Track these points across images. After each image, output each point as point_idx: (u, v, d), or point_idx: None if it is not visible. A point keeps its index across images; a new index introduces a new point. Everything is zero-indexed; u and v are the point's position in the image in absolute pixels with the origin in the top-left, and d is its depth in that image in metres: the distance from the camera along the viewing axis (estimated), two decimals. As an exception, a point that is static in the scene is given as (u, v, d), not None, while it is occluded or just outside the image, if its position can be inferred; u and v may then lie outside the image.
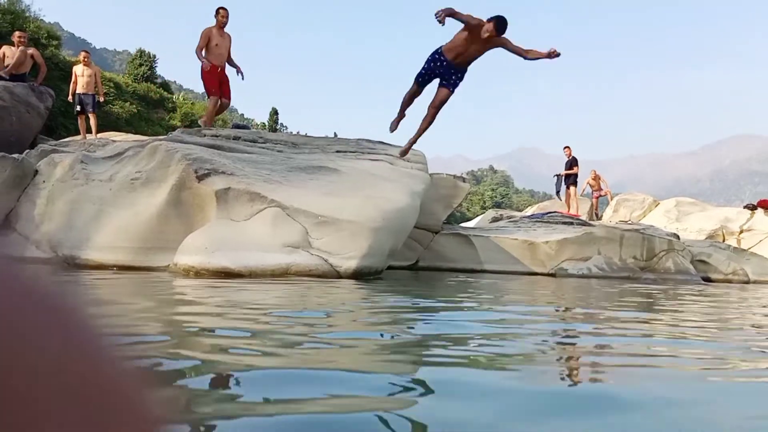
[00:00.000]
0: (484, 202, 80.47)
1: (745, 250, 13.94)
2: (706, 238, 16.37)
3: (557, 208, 14.65)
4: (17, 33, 11.03)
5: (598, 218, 16.17)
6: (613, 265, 10.13)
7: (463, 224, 16.54)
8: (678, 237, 11.96)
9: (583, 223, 11.30)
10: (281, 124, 49.71)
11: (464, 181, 10.75)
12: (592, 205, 16.67)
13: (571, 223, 11.15)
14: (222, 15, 8.68)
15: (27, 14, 21.94)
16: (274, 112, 45.36)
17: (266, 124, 45.44)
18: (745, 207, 19.64)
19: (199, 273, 5.30)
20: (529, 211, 19.88)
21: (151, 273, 5.66)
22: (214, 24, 8.67)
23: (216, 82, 8.71)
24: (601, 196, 16.88)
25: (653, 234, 10.95)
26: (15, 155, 7.33)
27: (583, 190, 16.72)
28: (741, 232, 18.42)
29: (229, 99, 9.11)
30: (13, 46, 10.70)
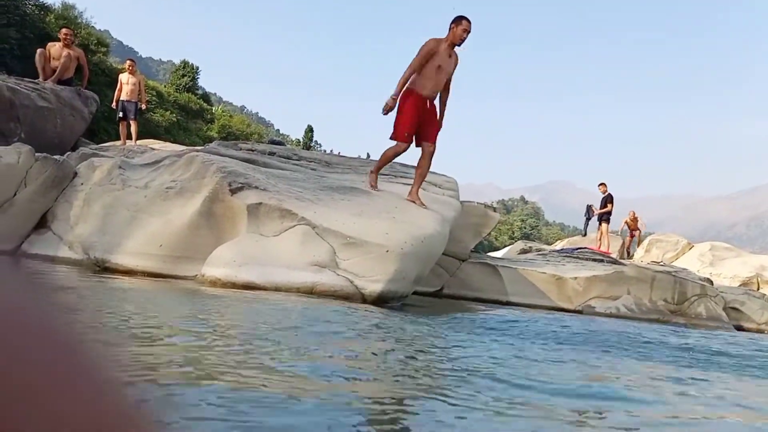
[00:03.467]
0: (513, 233, 79.84)
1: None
2: (740, 285, 15.91)
3: (587, 244, 14.41)
4: (63, 30, 11.26)
5: (630, 257, 15.85)
6: (643, 306, 9.88)
7: (491, 254, 16.38)
8: (711, 282, 11.64)
9: (614, 261, 11.08)
10: (315, 141, 50.27)
11: (495, 211, 10.65)
12: (623, 243, 16.38)
13: (602, 261, 10.94)
14: (463, 28, 6.04)
15: (79, 20, 22.73)
16: (309, 130, 45.96)
17: (301, 141, 46.01)
18: (782, 255, 19.07)
19: (225, 285, 5.32)
20: (558, 245, 19.61)
21: (177, 282, 5.71)
22: (444, 37, 6.15)
23: (414, 122, 6.25)
24: (633, 236, 16.60)
25: (686, 277, 10.67)
26: (56, 156, 7.53)
27: (621, 229, 16.51)
28: (777, 281, 17.86)
29: (433, 143, 6.51)
30: (59, 42, 10.98)
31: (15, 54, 16.43)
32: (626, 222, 16.21)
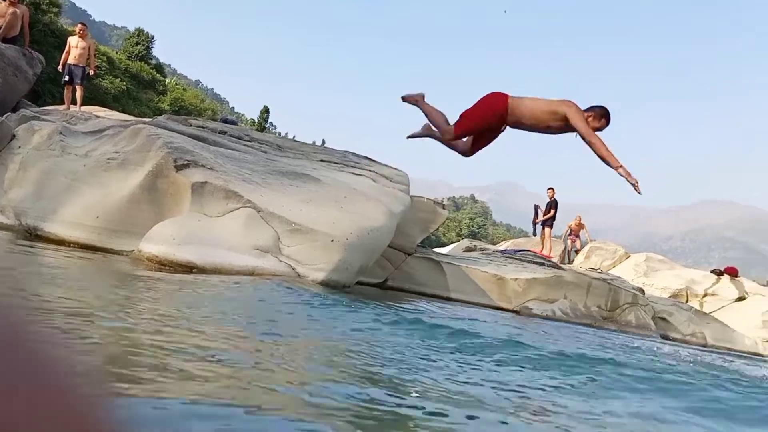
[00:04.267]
0: (461, 230, 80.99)
1: (706, 313, 14.17)
2: (670, 297, 16.62)
3: (531, 247, 14.76)
4: None
5: (570, 263, 16.33)
6: (578, 310, 10.20)
7: (437, 249, 16.56)
8: (643, 292, 12.11)
9: (554, 266, 11.38)
10: (271, 123, 49.53)
11: (443, 208, 10.77)
12: (565, 248, 16.84)
13: (542, 264, 11.22)
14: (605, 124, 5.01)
15: (30, -24, 21.63)
16: (265, 111, 45.22)
17: (256, 121, 45.25)
18: (712, 271, 20.00)
19: (162, 263, 5.19)
20: (502, 246, 20.00)
21: (110, 256, 5.53)
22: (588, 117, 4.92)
23: (482, 123, 4.99)
24: (574, 243, 17.06)
25: (620, 286, 11.08)
26: (-6, 117, 7.17)
27: (565, 234, 16.96)
28: (705, 295, 18.74)
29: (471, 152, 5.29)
30: (4, 1, 10.45)
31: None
32: (570, 226, 16.67)
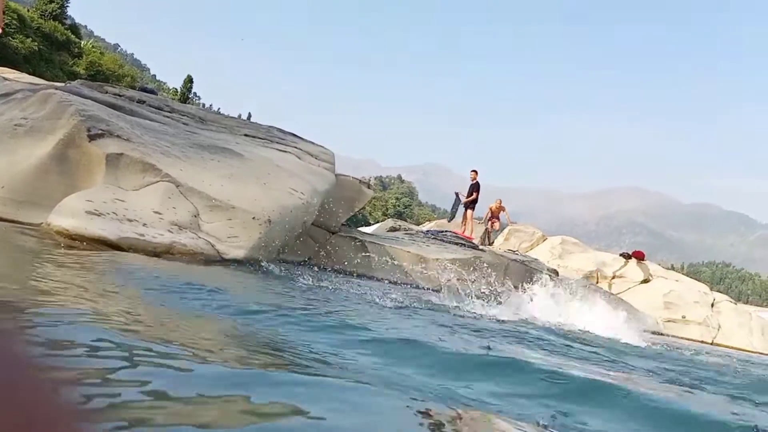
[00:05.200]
0: (387, 209, 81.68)
1: (613, 294, 15.08)
2: (582, 278, 17.53)
3: (453, 228, 15.13)
4: None
5: (490, 244, 16.87)
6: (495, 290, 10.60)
7: (362, 228, 16.68)
8: (557, 273, 12.72)
9: (474, 247, 11.75)
10: (195, 93, 47.81)
11: (369, 187, 10.85)
12: (486, 230, 17.37)
13: (463, 245, 11.55)
14: None
15: None
16: (189, 80, 43.57)
17: (178, 90, 43.56)
18: (621, 254, 21.25)
19: (72, 238, 4.97)
20: (426, 227, 20.39)
21: (17, 228, 5.24)
22: None
23: None
24: (494, 225, 17.62)
25: (536, 267, 11.58)
26: None
27: (486, 216, 17.46)
28: (613, 277, 19.93)
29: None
30: None
31: None
32: (491, 208, 17.21)
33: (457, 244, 11.52)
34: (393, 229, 15.04)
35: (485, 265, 10.71)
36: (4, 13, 10.71)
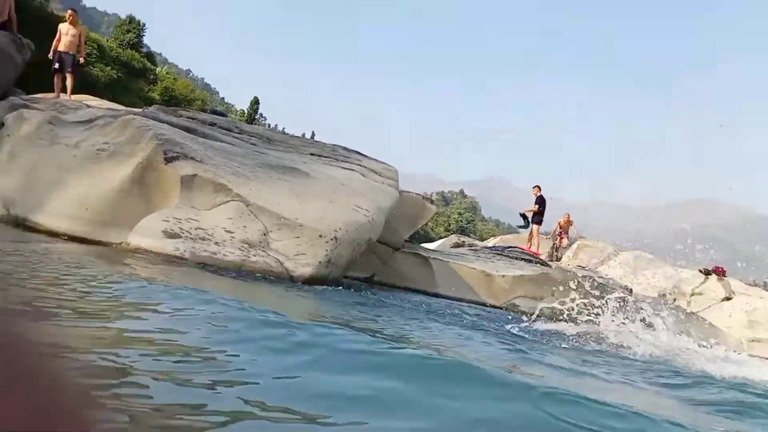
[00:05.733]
0: (450, 225, 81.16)
1: (693, 313, 14.34)
2: (658, 296, 16.79)
3: (519, 244, 14.86)
4: None
5: (558, 260, 16.47)
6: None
7: (425, 244, 16.63)
8: (631, 291, 12.24)
9: (542, 263, 11.48)
10: (261, 114, 49.31)
11: (432, 203, 10.82)
12: (554, 245, 16.96)
13: (530, 261, 11.31)
14: None
15: (20, -39, 21.37)
16: (255, 102, 44.99)
17: (246, 112, 45.04)
18: (699, 271, 20.21)
19: (150, 255, 5.20)
20: (491, 242, 20.10)
21: (101, 248, 5.54)
22: None
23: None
24: (562, 240, 17.18)
25: (606, 284, 11.19)
26: (-18, 104, 7.12)
27: (554, 231, 17.08)
28: (692, 294, 18.97)
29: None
30: None
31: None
32: (559, 223, 16.79)
33: (524, 260, 11.29)
34: (457, 245, 14.93)
35: (557, 280, 10.44)
36: (86, 43, 11.44)
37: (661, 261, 21.91)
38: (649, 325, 5.93)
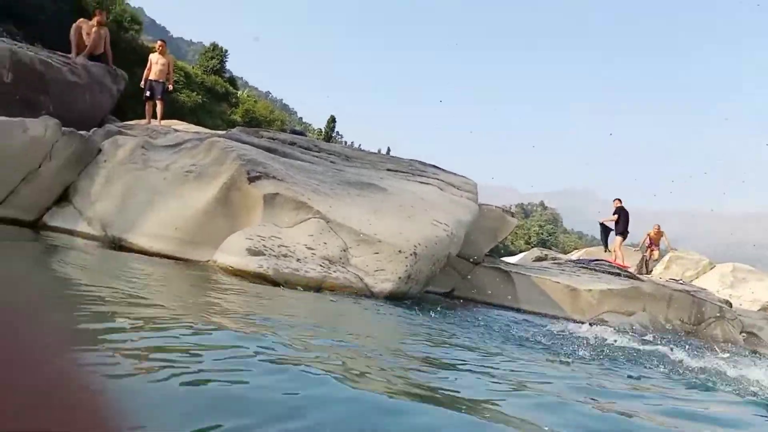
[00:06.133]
0: (530, 237, 79.16)
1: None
2: (760, 310, 15.60)
3: (605, 257, 14.24)
4: (98, 11, 11.52)
5: (648, 273, 15.63)
6: (658, 324, 9.72)
7: (505, 258, 16.26)
8: (730, 304, 11.43)
9: (631, 276, 10.92)
10: (337, 132, 50.26)
11: (512, 216, 10.56)
12: (643, 258, 16.13)
13: (618, 275, 10.79)
14: None
15: (115, -3, 22.92)
16: (332, 120, 45.93)
17: (323, 130, 46.05)
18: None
19: (235, 274, 5.34)
20: (575, 255, 19.39)
21: (191, 265, 5.74)
22: None
23: None
24: (653, 252, 16.32)
25: (704, 298, 10.49)
26: (83, 132, 7.60)
27: (642, 243, 16.30)
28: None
29: None
30: (91, 20, 11.13)
31: (50, 26, 16.64)
32: (649, 235, 15.96)
33: (611, 273, 10.78)
34: (539, 259, 14.48)
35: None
36: (174, 71, 12.07)
37: (762, 273, 20.37)
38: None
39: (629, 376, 3.51)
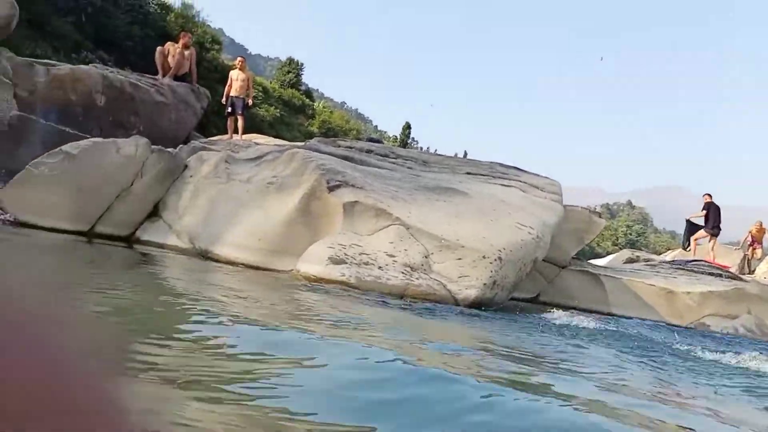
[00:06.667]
0: (617, 239, 75.84)
1: None
2: None
3: (703, 256, 13.36)
4: (183, 33, 12.08)
5: (751, 273, 14.53)
6: (765, 327, 8.97)
7: (593, 261, 15.58)
8: None
9: (733, 277, 10.16)
10: (412, 138, 50.28)
11: (600, 217, 10.08)
12: (745, 257, 15.01)
13: (720, 275, 10.06)
14: None
15: (196, 19, 23.99)
16: (407, 126, 45.99)
17: (398, 137, 46.19)
18: None
19: (318, 282, 5.35)
20: (669, 256, 18.34)
21: (274, 275, 5.81)
22: None
23: None
24: (755, 251, 15.16)
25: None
26: (170, 149, 7.93)
27: (744, 241, 15.21)
28: None
29: None
30: (177, 43, 11.67)
31: (137, 50, 17.61)
32: (750, 233, 14.84)
33: (711, 274, 10.07)
34: (630, 260, 13.77)
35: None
36: (252, 87, 12.43)
37: None
38: None
39: None
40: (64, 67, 9.46)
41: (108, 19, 17.27)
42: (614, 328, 5.79)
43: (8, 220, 6.31)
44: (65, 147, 6.73)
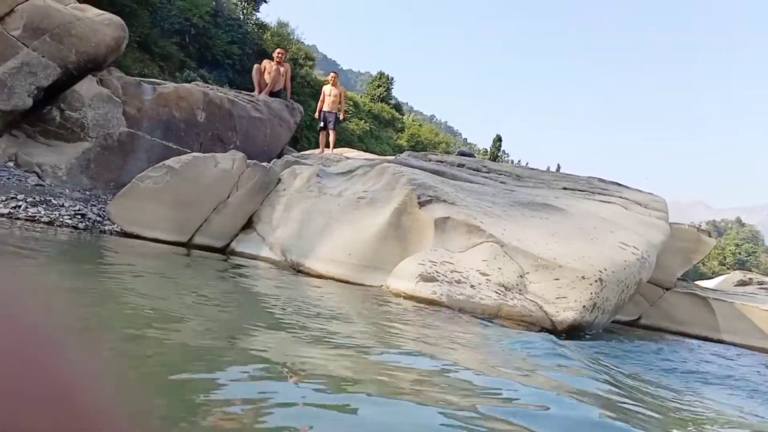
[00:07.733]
0: (725, 258, 70.47)
1: None
2: None
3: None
4: (278, 50, 12.45)
5: None
6: None
7: (699, 282, 14.52)
8: None
9: None
10: (503, 151, 49.39)
11: (710, 236, 9.36)
12: None
13: None
14: None
15: (291, 37, 24.79)
16: (498, 139, 45.21)
17: (488, 150, 45.53)
18: None
19: (407, 299, 5.24)
20: (786, 278, 16.78)
21: (364, 289, 5.77)
22: None
23: None
24: None
25: None
26: (264, 163, 8.14)
27: None
28: None
29: None
30: (272, 60, 12.06)
31: (236, 68, 18.38)
32: None
33: (839, 300, 9.07)
34: (742, 283, 12.72)
35: None
36: (344, 101, 12.60)
37: None
38: None
39: None
40: (169, 86, 9.98)
41: (210, 40, 18.17)
42: None
43: (115, 231, 6.67)
44: (168, 161, 7.05)
